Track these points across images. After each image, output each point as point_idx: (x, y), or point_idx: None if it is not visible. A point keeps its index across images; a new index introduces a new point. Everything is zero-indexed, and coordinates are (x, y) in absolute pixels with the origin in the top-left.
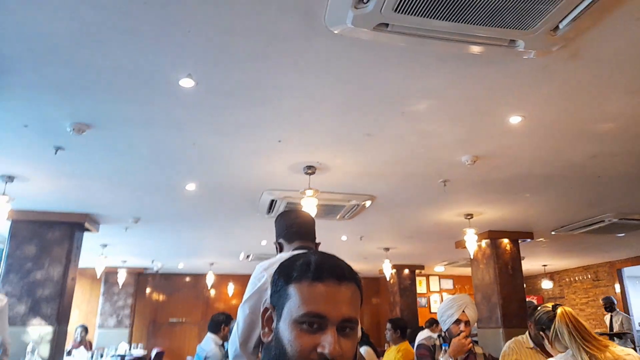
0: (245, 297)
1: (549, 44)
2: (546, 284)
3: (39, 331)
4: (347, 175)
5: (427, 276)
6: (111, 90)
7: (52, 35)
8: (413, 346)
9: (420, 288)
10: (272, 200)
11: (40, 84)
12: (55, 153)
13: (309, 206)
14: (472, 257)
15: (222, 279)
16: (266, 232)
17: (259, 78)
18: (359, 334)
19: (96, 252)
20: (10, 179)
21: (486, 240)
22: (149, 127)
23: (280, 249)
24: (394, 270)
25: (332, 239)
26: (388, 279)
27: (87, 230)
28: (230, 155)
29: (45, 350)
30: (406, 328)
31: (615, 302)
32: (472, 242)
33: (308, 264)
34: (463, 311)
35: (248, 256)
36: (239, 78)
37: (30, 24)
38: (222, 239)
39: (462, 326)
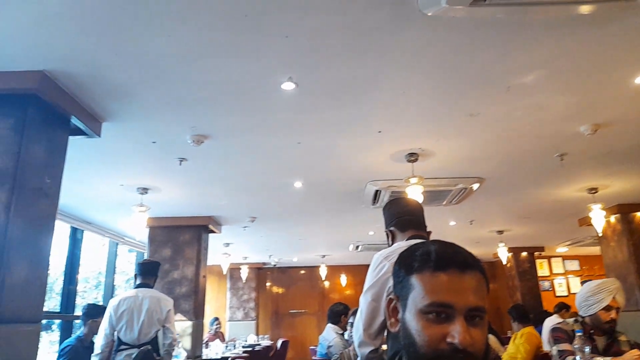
0: (366, 285)
1: None
2: None
3: (180, 326)
4: (451, 159)
5: (549, 258)
6: (221, 102)
7: (164, 57)
8: (539, 331)
9: (542, 271)
10: (377, 191)
11: (161, 103)
12: (180, 164)
13: (414, 194)
14: (600, 234)
15: (335, 270)
16: (372, 223)
17: (355, 73)
18: None
19: (220, 251)
20: (145, 190)
21: (616, 215)
22: (257, 131)
23: (392, 237)
24: (511, 254)
25: (440, 225)
26: (505, 263)
27: (212, 231)
28: (333, 151)
29: (187, 342)
30: (527, 313)
31: None
32: (600, 219)
33: (428, 253)
34: (614, 297)
35: (357, 247)
36: (336, 75)
37: (143, 49)
38: (331, 232)
39: (612, 313)
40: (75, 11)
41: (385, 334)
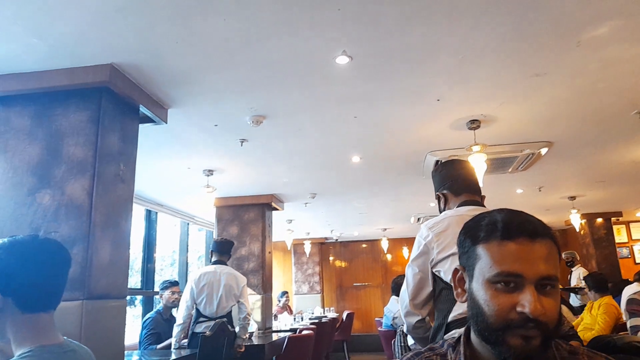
0: (412, 256)
1: None
2: None
3: (250, 299)
4: (516, 123)
5: (627, 223)
6: (277, 81)
7: (221, 41)
8: (617, 301)
9: (620, 237)
10: (437, 161)
11: (220, 86)
12: (241, 145)
13: (477, 162)
14: None
15: (396, 243)
16: (433, 194)
17: (410, 40)
18: None
19: (284, 227)
20: (210, 172)
21: None
22: (313, 108)
23: (445, 200)
24: (584, 221)
25: (506, 194)
26: (578, 230)
27: (275, 209)
28: (390, 123)
29: (257, 315)
30: (605, 281)
31: None
32: None
33: (495, 223)
34: None
35: (418, 219)
36: (391, 45)
37: (202, 35)
38: (391, 205)
39: None
40: (136, 2)
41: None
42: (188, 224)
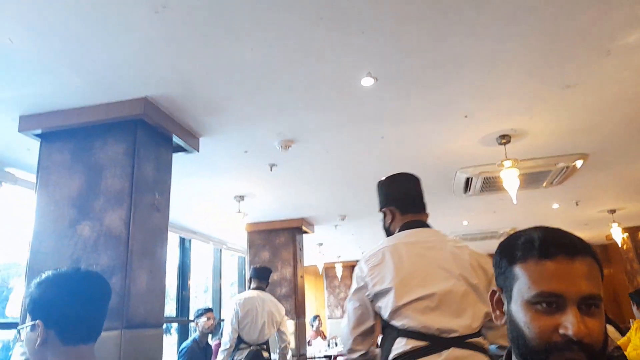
0: (351, 290)
1: None
2: None
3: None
4: (548, 136)
5: None
6: (303, 105)
7: (250, 68)
8: None
9: None
10: (468, 178)
11: (249, 113)
12: (271, 170)
13: (510, 177)
14: None
15: None
16: (465, 212)
17: (436, 57)
18: None
19: (315, 251)
20: (241, 198)
21: None
22: (340, 130)
23: (392, 217)
24: (626, 234)
25: (542, 209)
26: (620, 245)
27: (305, 232)
28: (418, 140)
29: (292, 341)
30: None
31: None
32: None
33: (531, 241)
34: None
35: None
36: (416, 63)
37: (231, 63)
38: None
39: None
40: (167, 35)
41: (380, 338)
42: (220, 250)
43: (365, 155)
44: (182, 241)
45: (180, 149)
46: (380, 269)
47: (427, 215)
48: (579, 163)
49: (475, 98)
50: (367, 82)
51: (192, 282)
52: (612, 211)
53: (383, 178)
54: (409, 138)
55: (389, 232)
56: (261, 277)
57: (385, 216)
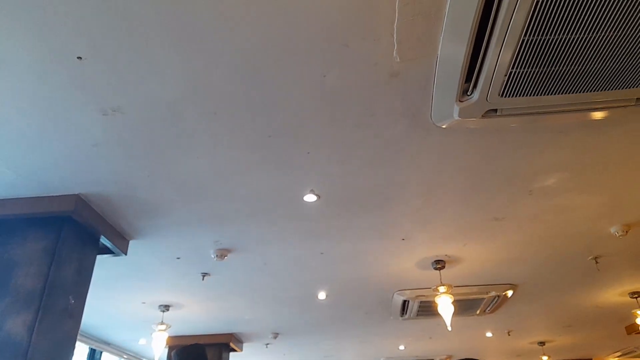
0: None
1: None
2: None
3: None
4: (480, 265)
5: None
6: (246, 215)
7: (195, 176)
8: None
9: None
10: (405, 301)
11: (188, 219)
12: (203, 279)
13: (445, 303)
14: None
15: None
16: (402, 337)
17: (378, 182)
18: None
19: None
20: (166, 307)
21: None
22: (280, 243)
23: None
24: None
25: (476, 337)
26: None
27: (233, 349)
28: (357, 260)
29: None
30: None
31: None
32: None
33: None
34: None
35: None
36: (358, 185)
37: (176, 170)
38: (359, 347)
39: None
40: (113, 137)
41: None
42: None
43: (304, 271)
44: (92, 353)
45: (107, 250)
46: None
47: None
48: (509, 292)
49: (413, 222)
50: (310, 198)
51: None
52: (542, 343)
53: (179, 349)
54: (348, 256)
55: None
56: None
57: None
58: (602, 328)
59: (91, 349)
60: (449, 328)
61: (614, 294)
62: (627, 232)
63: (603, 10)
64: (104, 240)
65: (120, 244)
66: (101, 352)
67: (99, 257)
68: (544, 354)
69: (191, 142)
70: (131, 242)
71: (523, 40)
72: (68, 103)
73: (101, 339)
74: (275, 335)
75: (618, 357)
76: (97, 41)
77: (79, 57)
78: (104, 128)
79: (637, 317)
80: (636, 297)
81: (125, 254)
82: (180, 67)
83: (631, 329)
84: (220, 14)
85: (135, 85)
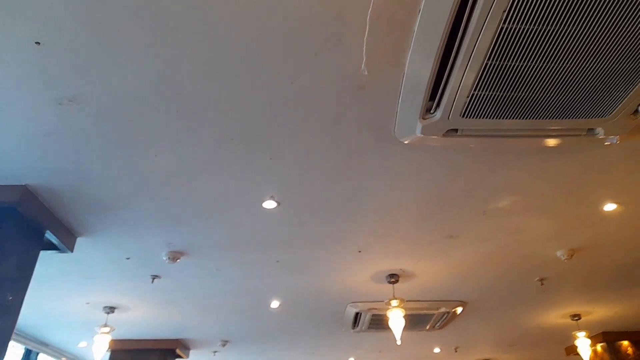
0: None
1: (632, 127)
2: None
3: None
4: (433, 280)
5: None
6: (202, 218)
7: (153, 174)
8: None
9: None
10: (357, 313)
11: (141, 218)
12: (152, 282)
13: (396, 317)
14: None
15: None
16: (353, 349)
17: (338, 192)
18: None
19: None
20: (111, 309)
21: (601, 344)
22: (235, 249)
23: None
24: None
25: (424, 353)
26: None
27: (179, 356)
28: (312, 270)
29: None
30: None
31: None
32: (585, 347)
33: None
34: None
35: None
36: (318, 194)
37: (134, 166)
38: (309, 357)
39: None
40: (67, 129)
41: None
42: None
43: (258, 278)
44: (28, 354)
45: (52, 246)
46: None
47: None
48: (459, 309)
49: (370, 235)
50: (269, 204)
51: None
52: None
53: None
54: (304, 265)
55: None
56: None
57: None
58: (543, 348)
59: (27, 349)
60: (399, 342)
61: (557, 316)
62: (572, 256)
63: (559, 42)
64: (49, 236)
65: (67, 240)
66: (37, 353)
67: (42, 252)
68: None
69: (151, 138)
70: (79, 239)
71: (486, 65)
72: (21, 89)
73: (38, 339)
74: (225, 343)
75: None
76: (58, 26)
77: (37, 42)
78: (58, 118)
79: (576, 339)
80: (576, 319)
81: (72, 251)
82: (146, 58)
83: (570, 350)
84: (194, 6)
85: (95, 75)
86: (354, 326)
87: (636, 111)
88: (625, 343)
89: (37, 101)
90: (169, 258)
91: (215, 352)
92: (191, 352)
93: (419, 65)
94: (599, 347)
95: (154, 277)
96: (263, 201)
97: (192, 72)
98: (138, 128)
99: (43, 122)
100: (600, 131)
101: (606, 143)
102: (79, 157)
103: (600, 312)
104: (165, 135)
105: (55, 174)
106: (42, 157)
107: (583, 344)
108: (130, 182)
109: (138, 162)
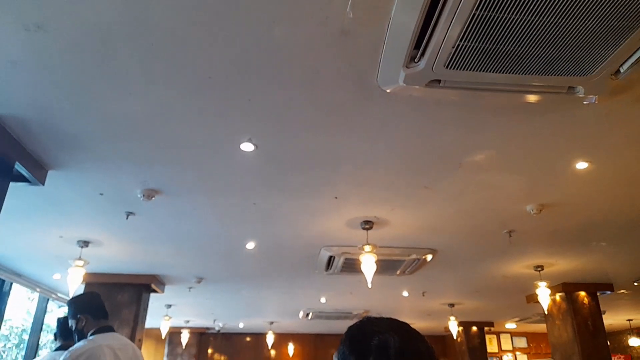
0: None
1: (611, 88)
2: (634, 341)
3: None
4: (406, 229)
5: (498, 334)
6: (179, 158)
7: (127, 114)
8: None
9: (492, 347)
10: (331, 257)
11: (116, 157)
12: (127, 218)
13: (368, 262)
14: (546, 312)
15: (282, 338)
16: (325, 290)
17: (317, 143)
18: None
19: (161, 313)
20: (85, 243)
21: (560, 294)
22: (212, 190)
23: (85, 322)
24: (461, 328)
25: (393, 296)
26: (455, 338)
27: (154, 291)
28: (288, 214)
29: None
30: None
31: None
32: (545, 296)
33: (386, 348)
34: None
35: (307, 314)
36: (297, 144)
37: (107, 106)
38: (282, 298)
39: None
40: (36, 58)
41: None
42: (48, 299)
43: (234, 220)
44: (2, 283)
45: (22, 178)
46: None
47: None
48: (429, 257)
49: (347, 183)
50: (247, 147)
51: (2, 333)
52: (452, 305)
53: (74, 295)
54: (280, 210)
55: (81, 334)
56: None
57: (78, 322)
58: (505, 296)
59: (0, 279)
60: (369, 285)
61: (521, 266)
62: (540, 211)
63: None
64: (18, 167)
65: (38, 173)
66: (11, 283)
67: (13, 184)
68: (453, 315)
69: (124, 77)
70: (50, 172)
71: (474, 15)
72: None
73: (12, 270)
74: (199, 280)
75: (516, 322)
76: None
77: None
78: (24, 45)
79: (537, 288)
80: (539, 270)
81: (43, 184)
82: None
83: (531, 298)
84: None
85: (63, 0)
86: (327, 269)
87: (617, 71)
88: (582, 294)
89: (2, 24)
90: (143, 195)
91: (190, 288)
92: (166, 287)
93: (406, 12)
94: (557, 296)
95: (129, 213)
96: (241, 143)
97: (168, 7)
98: (110, 64)
99: (8, 48)
100: (580, 90)
101: (585, 102)
102: (47, 91)
103: (562, 264)
104: (139, 74)
105: (22, 105)
106: (7, 86)
107: (543, 293)
108: (101, 121)
109: (109, 101)
